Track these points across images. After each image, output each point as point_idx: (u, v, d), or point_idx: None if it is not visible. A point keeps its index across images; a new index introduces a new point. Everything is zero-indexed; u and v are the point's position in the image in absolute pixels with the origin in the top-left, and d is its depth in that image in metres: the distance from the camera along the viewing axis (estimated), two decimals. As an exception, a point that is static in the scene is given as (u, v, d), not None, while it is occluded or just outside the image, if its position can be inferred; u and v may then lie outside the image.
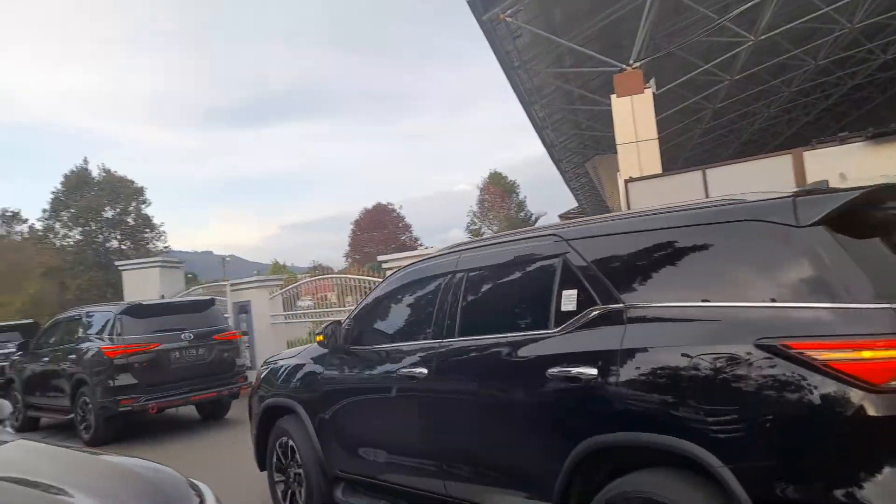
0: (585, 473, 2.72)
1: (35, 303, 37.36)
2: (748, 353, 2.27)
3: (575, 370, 2.73)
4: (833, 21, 15.85)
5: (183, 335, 9.18)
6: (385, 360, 3.99)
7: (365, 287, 11.08)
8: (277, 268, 55.61)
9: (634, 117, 14.30)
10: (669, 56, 16.06)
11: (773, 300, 2.32)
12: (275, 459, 4.81)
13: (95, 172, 46.52)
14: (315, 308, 13.80)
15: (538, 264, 3.20)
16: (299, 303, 14.44)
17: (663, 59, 15.95)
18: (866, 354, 2.07)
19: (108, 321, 9.17)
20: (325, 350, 4.48)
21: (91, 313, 9.77)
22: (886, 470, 2.03)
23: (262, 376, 5.18)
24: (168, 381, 8.95)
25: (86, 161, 47.22)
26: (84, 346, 9.22)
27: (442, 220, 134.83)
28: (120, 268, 17.48)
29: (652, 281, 2.72)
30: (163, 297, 11.84)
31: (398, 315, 4.23)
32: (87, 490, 2.15)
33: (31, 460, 2.57)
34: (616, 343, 2.64)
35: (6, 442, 2.69)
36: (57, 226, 45.90)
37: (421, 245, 47.84)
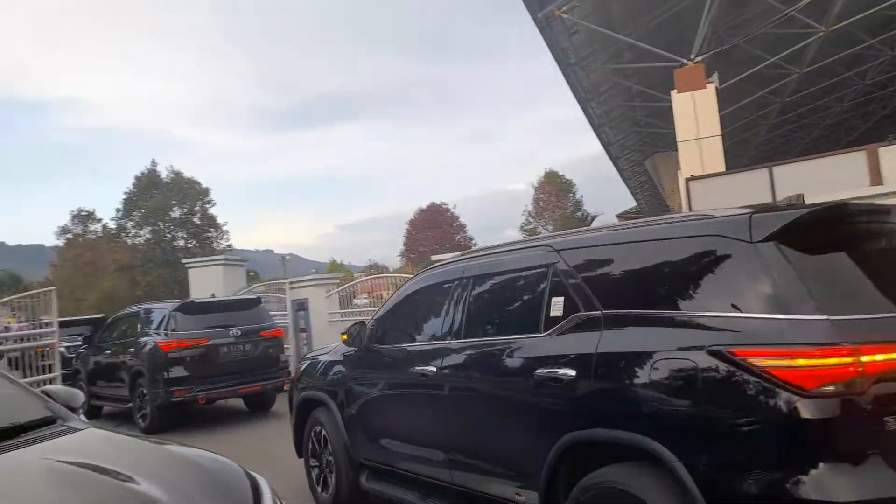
0: (570, 465, 2.96)
1: (108, 298, 39.17)
2: (701, 359, 2.49)
3: (558, 371, 3.01)
4: (913, 8, 14.88)
5: (231, 331, 9.48)
6: (400, 358, 4.33)
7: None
8: (334, 266, 56.62)
9: (696, 113, 13.79)
10: (733, 49, 15.39)
11: (735, 308, 2.52)
12: (310, 446, 5.21)
13: (164, 174, 48.46)
14: (371, 306, 13.94)
15: (532, 272, 3.48)
16: (355, 300, 14.63)
17: (727, 52, 15.30)
18: (800, 362, 2.26)
19: (164, 317, 9.61)
20: (354, 348, 4.84)
21: (149, 310, 10.26)
22: (820, 466, 2.22)
23: (302, 370, 5.59)
24: (217, 374, 9.25)
25: (154, 163, 49.18)
26: (142, 340, 9.67)
27: (497, 219, 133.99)
28: (186, 265, 18.38)
29: (627, 290, 3.00)
30: (213, 295, 12.18)
31: (412, 317, 4.57)
32: (152, 478, 2.26)
33: (103, 448, 2.70)
34: (592, 347, 2.91)
35: (80, 430, 2.82)
36: (129, 225, 48.03)
37: (475, 244, 47.65)
